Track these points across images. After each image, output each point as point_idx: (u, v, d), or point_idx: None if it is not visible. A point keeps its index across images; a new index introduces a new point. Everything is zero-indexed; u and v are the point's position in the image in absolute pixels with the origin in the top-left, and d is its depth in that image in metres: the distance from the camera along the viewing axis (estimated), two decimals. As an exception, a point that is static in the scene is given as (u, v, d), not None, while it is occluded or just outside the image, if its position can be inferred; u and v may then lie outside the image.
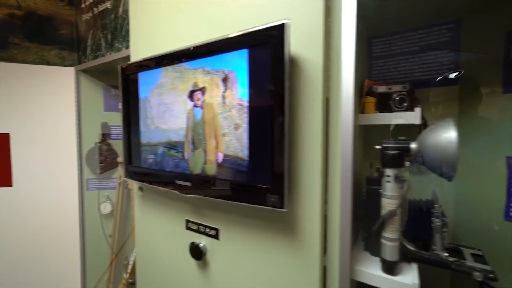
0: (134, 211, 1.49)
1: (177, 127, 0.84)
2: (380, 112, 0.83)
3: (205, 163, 0.78)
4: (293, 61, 0.64)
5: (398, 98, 0.80)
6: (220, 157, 0.74)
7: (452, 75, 0.91)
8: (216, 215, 0.84)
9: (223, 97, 0.72)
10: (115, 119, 1.66)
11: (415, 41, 0.96)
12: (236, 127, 0.70)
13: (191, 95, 0.79)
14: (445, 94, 0.93)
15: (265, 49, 0.62)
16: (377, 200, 0.72)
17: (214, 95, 0.74)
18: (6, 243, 1.49)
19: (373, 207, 0.73)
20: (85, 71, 1.56)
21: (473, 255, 0.73)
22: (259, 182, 0.66)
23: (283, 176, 0.62)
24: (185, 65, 0.80)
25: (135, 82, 0.96)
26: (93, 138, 1.61)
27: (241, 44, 0.66)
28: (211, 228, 0.85)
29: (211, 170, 0.76)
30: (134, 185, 1.12)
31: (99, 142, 1.61)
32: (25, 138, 1.51)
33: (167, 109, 0.87)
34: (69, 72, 1.56)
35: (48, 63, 1.54)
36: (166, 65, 0.85)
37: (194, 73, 0.78)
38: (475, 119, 0.89)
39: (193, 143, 0.80)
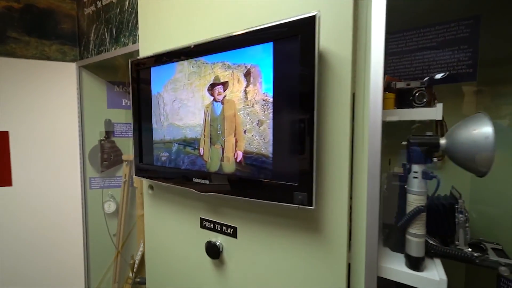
0: (141, 210, 1.46)
1: (193, 123, 0.82)
2: (398, 108, 0.83)
3: (222, 159, 0.76)
4: (321, 55, 0.62)
5: (418, 93, 0.80)
6: (240, 154, 0.72)
7: (465, 72, 0.91)
8: (234, 213, 0.83)
9: (245, 92, 0.70)
10: (119, 116, 1.62)
11: (431, 37, 0.95)
12: (260, 123, 0.68)
13: (211, 89, 0.77)
14: (461, 90, 0.94)
15: (293, 43, 0.60)
16: (400, 196, 0.71)
17: (235, 90, 0.72)
18: (7, 245, 1.45)
19: (395, 203, 0.73)
20: (87, 67, 1.52)
21: (493, 249, 0.74)
22: (285, 179, 0.65)
23: (311, 173, 0.61)
24: (203, 59, 0.78)
25: (147, 78, 0.93)
26: (96, 135, 1.57)
27: (266, 37, 0.65)
28: (229, 227, 0.84)
29: (230, 167, 0.74)
30: (143, 183, 1.10)
31: (103, 140, 1.57)
32: (25, 136, 1.46)
33: (183, 105, 0.84)
34: (70, 68, 1.51)
35: (48, 58, 1.49)
36: (181, 60, 0.83)
37: (213, 68, 0.76)
38: (491, 114, 0.90)
39: (210, 139, 0.79)
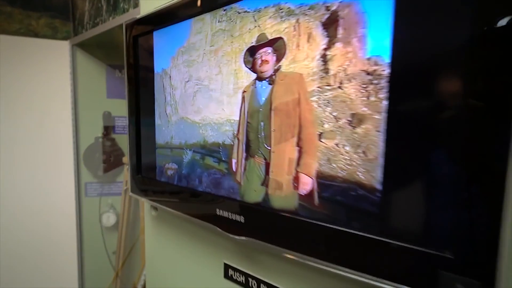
0: (144, 231, 1.17)
1: (220, 117, 0.49)
2: None
3: (266, 184, 0.43)
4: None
5: None
6: (308, 180, 0.38)
7: None
8: (283, 267, 0.50)
9: (325, 58, 0.36)
10: (121, 108, 1.33)
11: None
12: (357, 120, 0.34)
13: (250, 56, 0.43)
14: None
15: None
16: None
17: (301, 57, 0.38)
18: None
19: None
20: (82, 45, 1.23)
21: None
22: (416, 242, 0.30)
23: (497, 239, 0.26)
24: (238, 5, 0.44)
25: (148, 47, 0.61)
26: (93, 131, 1.29)
27: None
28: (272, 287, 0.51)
29: (286, 200, 0.41)
30: (144, 203, 0.79)
31: (101, 137, 1.29)
32: (6, 133, 1.19)
33: (202, 88, 0.51)
34: (62, 47, 1.22)
35: (36, 35, 1.22)
36: (200, 13, 0.50)
37: (258, 19, 0.42)
38: None
39: (246, 145, 0.45)
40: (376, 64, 0.32)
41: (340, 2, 0.34)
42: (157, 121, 0.62)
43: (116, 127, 1.31)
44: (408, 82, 0.31)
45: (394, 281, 0.32)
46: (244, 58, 0.44)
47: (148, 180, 0.65)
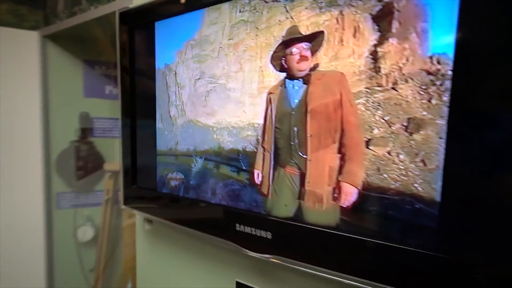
0: (129, 237, 1.05)
1: (240, 121, 0.43)
2: None
3: (301, 197, 0.38)
4: None
5: None
6: (352, 192, 0.34)
7: None
8: (303, 282, 0.45)
9: (375, 55, 0.32)
10: (100, 109, 1.19)
11: None
12: (414, 125, 0.30)
13: (282, 51, 0.38)
14: None
15: None
16: None
17: (344, 53, 0.34)
18: None
19: None
20: (55, 37, 1.08)
21: None
22: (485, 259, 0.27)
23: None
24: (266, -6, 0.39)
25: (148, 39, 0.53)
26: (67, 135, 1.14)
27: None
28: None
29: (325, 215, 0.36)
30: (136, 215, 0.70)
31: (77, 141, 1.15)
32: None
33: (217, 86, 0.45)
34: (30, 38, 1.07)
35: (-3, 24, 1.05)
36: (217, 2, 0.44)
37: (292, 9, 0.37)
38: None
39: (275, 154, 0.40)
40: (439, 62, 0.29)
41: (396, -8, 0.31)
42: (158, 124, 0.54)
43: (95, 130, 1.17)
44: (475, 82, 0.28)
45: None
46: (274, 54, 0.38)
47: (146, 191, 0.56)
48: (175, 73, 0.51)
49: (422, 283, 0.31)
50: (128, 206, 0.59)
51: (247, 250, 0.43)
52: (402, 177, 0.31)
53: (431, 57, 0.29)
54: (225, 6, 0.43)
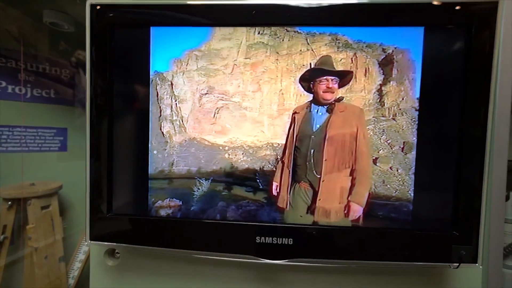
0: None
1: (258, 140, 0.44)
2: None
3: (311, 211, 0.44)
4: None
5: None
6: (358, 210, 0.43)
7: None
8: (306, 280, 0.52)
9: (380, 93, 0.41)
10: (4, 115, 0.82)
11: None
12: (406, 147, 0.42)
13: (313, 76, 0.42)
14: None
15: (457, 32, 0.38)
16: None
17: (358, 88, 0.42)
18: None
19: None
20: None
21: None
22: (434, 229, 0.42)
23: (479, 215, 0.42)
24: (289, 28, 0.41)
25: (138, 42, 0.45)
26: None
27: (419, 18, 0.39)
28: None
29: (336, 222, 0.44)
30: (91, 248, 0.57)
31: None
32: None
33: (230, 104, 0.44)
34: None
35: None
36: (230, 25, 0.42)
37: (312, 42, 0.41)
38: None
39: (293, 170, 0.44)
40: (417, 103, 0.41)
41: (395, 47, 0.41)
42: (153, 141, 0.46)
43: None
44: (430, 117, 0.42)
45: (422, 261, 0.43)
46: (303, 78, 0.42)
47: (128, 218, 0.47)
48: (171, 84, 0.45)
49: (403, 254, 0.44)
50: (97, 240, 0.48)
51: (270, 261, 0.45)
52: (399, 187, 0.42)
53: (418, 99, 0.41)
54: (242, 29, 0.42)
